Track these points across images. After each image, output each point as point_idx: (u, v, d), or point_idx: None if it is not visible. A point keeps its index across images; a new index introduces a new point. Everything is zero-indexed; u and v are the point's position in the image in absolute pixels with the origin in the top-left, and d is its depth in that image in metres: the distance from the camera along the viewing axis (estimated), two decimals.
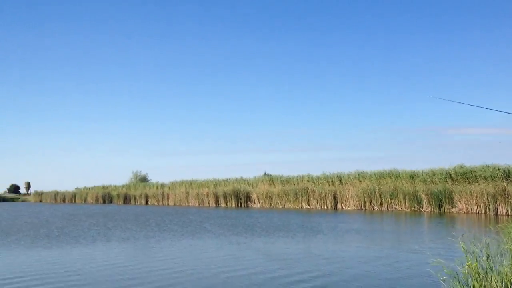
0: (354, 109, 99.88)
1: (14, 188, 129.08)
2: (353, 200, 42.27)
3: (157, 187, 69.78)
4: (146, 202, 67.24)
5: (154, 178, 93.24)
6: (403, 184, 40.23)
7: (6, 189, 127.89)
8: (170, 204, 62.27)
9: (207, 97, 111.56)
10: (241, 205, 51.80)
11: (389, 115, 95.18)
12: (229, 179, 60.82)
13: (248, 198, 51.94)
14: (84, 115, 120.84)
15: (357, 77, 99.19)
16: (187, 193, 60.08)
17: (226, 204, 53.22)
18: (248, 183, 57.28)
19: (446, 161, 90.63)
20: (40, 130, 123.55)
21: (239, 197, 52.31)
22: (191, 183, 64.63)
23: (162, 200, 64.53)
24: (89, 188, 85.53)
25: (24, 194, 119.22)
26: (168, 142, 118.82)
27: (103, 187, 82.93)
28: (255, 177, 58.46)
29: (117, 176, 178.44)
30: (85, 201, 79.53)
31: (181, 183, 66.20)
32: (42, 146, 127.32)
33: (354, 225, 26.58)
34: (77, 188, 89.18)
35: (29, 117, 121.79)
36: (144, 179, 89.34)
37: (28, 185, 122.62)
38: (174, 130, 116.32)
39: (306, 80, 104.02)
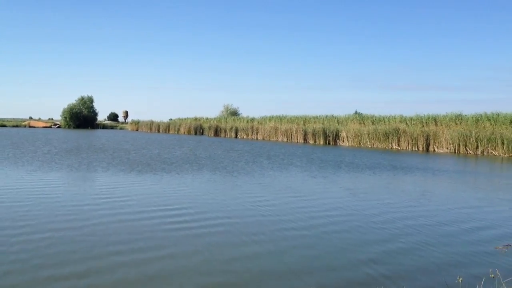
0: (459, 47, 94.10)
1: (113, 116, 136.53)
2: (447, 143, 40.70)
3: (247, 121, 70.90)
4: (236, 135, 68.68)
5: (244, 112, 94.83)
6: (502, 129, 38.09)
7: (106, 117, 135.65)
8: (259, 138, 63.26)
9: (303, 32, 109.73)
10: (329, 143, 51.60)
11: (497, 55, 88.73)
12: (319, 116, 60.48)
13: (337, 136, 51.53)
14: (174, 51, 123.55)
15: (472, 12, 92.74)
16: (276, 128, 60.55)
17: (314, 141, 53.20)
18: (338, 121, 56.71)
19: None
20: (138, 63, 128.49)
21: (328, 135, 52.02)
22: (280, 119, 65.03)
23: (252, 134, 65.57)
24: (182, 119, 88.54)
25: (122, 123, 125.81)
26: (260, 78, 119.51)
27: (195, 119, 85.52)
28: (345, 115, 57.76)
29: (209, 109, 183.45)
30: (178, 131, 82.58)
31: (271, 118, 66.79)
32: (139, 77, 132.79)
33: (446, 166, 25.75)
34: (171, 119, 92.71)
35: (127, 49, 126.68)
36: (234, 113, 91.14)
37: (126, 114, 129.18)
38: (265, 66, 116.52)
39: (409, 14, 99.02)
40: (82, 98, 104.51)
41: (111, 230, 9.24)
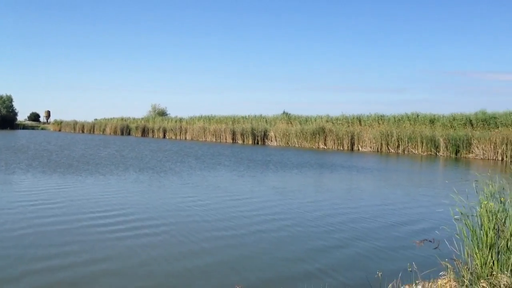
0: (382, 51, 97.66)
1: (35, 116, 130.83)
2: (370, 142, 42.18)
3: (175, 121, 70.21)
4: (164, 136, 67.82)
5: (173, 112, 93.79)
6: (422, 128, 40.00)
7: (26, 117, 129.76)
8: (187, 138, 62.78)
9: (230, 34, 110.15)
10: (258, 143, 52.05)
11: (419, 58, 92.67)
12: (248, 116, 60.91)
13: (265, 135, 52.09)
14: (102, 49, 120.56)
15: (387, 18, 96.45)
16: (205, 128, 60.35)
17: (243, 141, 53.48)
18: (266, 121, 57.34)
19: (475, 106, 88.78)
20: (61, 60, 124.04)
21: (256, 135, 52.47)
22: (209, 119, 64.90)
23: (180, 134, 64.97)
24: (108, 120, 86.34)
25: (44, 123, 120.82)
26: (188, 78, 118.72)
27: (122, 119, 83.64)
28: (273, 115, 58.55)
29: (136, 109, 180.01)
30: (103, 132, 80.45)
31: (199, 118, 66.52)
32: (62, 76, 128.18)
33: (369, 164, 26.66)
34: (96, 119, 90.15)
35: (51, 48, 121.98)
36: (162, 113, 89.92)
37: (48, 114, 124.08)
38: (194, 66, 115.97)
39: (335, 17, 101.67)
40: (1, 97, 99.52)
41: (38, 235, 8.82)
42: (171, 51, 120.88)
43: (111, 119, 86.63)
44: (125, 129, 77.18)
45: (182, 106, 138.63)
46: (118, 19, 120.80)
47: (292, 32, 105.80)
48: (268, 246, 8.58)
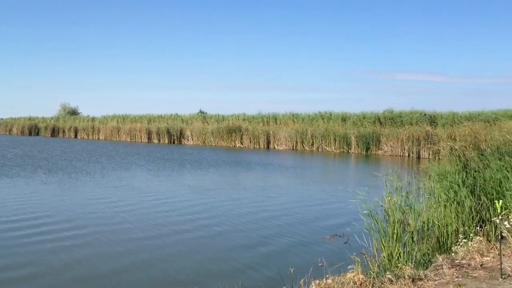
0: (297, 51, 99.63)
1: None
2: (285, 140, 42.98)
3: (87, 121, 67.85)
4: (76, 136, 65.39)
5: (86, 112, 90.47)
6: (334, 126, 41.30)
7: None
8: (100, 138, 60.88)
9: (144, 29, 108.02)
10: (174, 142, 51.48)
11: (335, 58, 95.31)
12: (164, 115, 60.09)
13: (181, 135, 51.64)
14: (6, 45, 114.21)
15: (302, 19, 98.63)
16: (119, 128, 58.83)
17: (159, 141, 52.68)
18: (182, 120, 56.84)
19: (384, 105, 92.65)
20: None
21: (172, 134, 51.88)
22: (123, 118, 63.30)
23: (93, 134, 62.89)
24: (15, 119, 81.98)
25: None
26: (101, 75, 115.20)
27: (30, 118, 79.68)
28: (190, 114, 58.21)
29: (44, 108, 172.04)
30: (10, 132, 76.32)
31: (113, 117, 64.71)
32: None
33: (285, 162, 27.15)
34: (1, 119, 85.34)
35: None
36: (74, 113, 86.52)
37: None
38: (108, 63, 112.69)
39: (250, 16, 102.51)
40: None
41: None
42: (83, 47, 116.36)
43: (17, 118, 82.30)
44: (33, 129, 73.58)
45: (95, 105, 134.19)
46: (17, 9, 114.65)
47: (206, 29, 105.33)
48: (184, 248, 8.51)
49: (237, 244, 8.75)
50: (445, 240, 7.44)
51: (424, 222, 8.05)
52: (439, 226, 7.80)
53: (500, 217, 5.32)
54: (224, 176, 19.95)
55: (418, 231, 7.84)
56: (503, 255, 4.78)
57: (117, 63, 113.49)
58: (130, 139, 56.30)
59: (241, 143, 45.72)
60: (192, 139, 50.20)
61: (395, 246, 7.20)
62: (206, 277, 6.90)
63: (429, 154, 33.09)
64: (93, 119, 68.14)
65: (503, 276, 4.33)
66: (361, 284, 4.44)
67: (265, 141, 44.22)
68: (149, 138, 54.04)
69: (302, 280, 4.82)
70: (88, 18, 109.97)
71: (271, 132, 44.38)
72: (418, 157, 33.46)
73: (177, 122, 55.36)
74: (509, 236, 5.78)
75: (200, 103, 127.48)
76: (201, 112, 59.52)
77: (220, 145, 46.58)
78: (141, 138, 54.94)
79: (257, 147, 44.14)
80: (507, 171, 9.89)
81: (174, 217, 11.08)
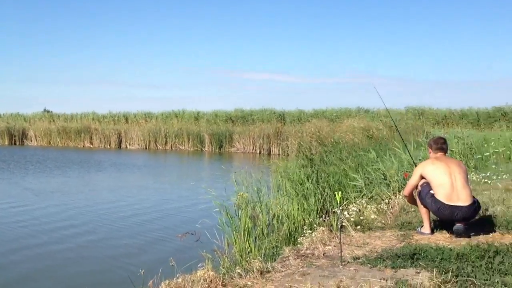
0: (144, 47, 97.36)
1: None
2: (138, 140, 42.13)
3: None
4: None
5: None
6: (188, 125, 41.36)
7: None
8: None
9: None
10: (15, 143, 47.70)
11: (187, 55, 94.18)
12: (4, 114, 55.44)
13: (24, 135, 48.01)
14: None
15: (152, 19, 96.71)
16: None
17: None
18: (25, 119, 52.93)
19: (236, 103, 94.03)
20: None
21: (14, 134, 48.02)
22: None
23: None
24: None
25: None
26: None
27: None
28: (33, 113, 54.40)
29: None
30: None
31: None
32: None
33: (138, 162, 26.56)
34: None
35: None
36: None
37: None
38: None
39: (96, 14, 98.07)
40: None
41: None
42: None
43: None
44: None
45: None
46: None
47: (50, 23, 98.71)
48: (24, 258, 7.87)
49: (84, 248, 8.32)
50: (293, 232, 7.76)
51: (273, 216, 8.36)
52: (287, 219, 8.12)
53: (340, 208, 5.65)
54: (71, 178, 18.90)
55: (268, 225, 8.12)
56: (343, 243, 5.08)
57: None
58: None
59: (91, 143, 43.88)
60: (36, 140, 46.98)
61: (246, 240, 7.36)
62: None
63: (279, 151, 34.60)
64: None
65: (343, 263, 4.59)
66: (211, 281, 4.41)
67: (117, 140, 42.91)
68: None
69: (151, 282, 4.68)
70: None
71: (122, 132, 43.24)
72: (269, 154, 34.80)
73: (19, 122, 51.44)
74: (349, 226, 6.19)
75: (43, 100, 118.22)
76: (46, 111, 55.90)
77: (68, 146, 44.21)
78: None
79: (108, 147, 42.67)
80: (348, 166, 10.68)
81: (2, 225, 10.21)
